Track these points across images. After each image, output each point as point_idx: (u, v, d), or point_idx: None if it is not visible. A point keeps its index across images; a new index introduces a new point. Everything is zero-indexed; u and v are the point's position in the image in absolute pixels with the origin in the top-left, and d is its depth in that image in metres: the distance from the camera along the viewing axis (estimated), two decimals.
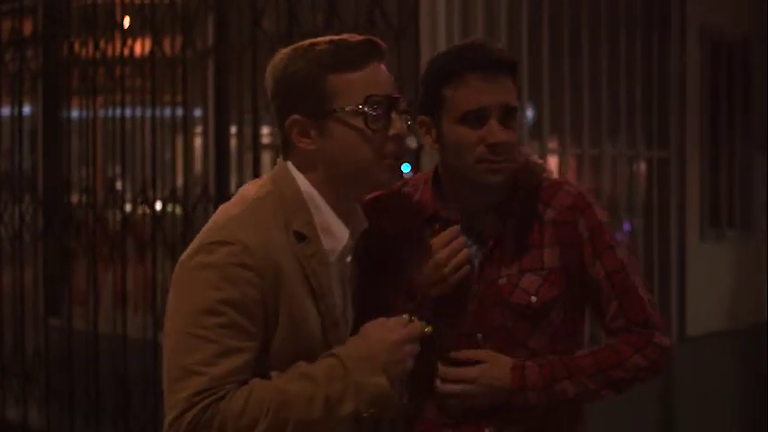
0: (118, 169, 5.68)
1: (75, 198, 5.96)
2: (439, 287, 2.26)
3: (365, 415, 2.00)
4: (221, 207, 2.13)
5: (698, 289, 5.68)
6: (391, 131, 2.06)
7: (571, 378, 2.30)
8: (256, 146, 5.02)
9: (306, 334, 2.03)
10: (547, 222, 2.34)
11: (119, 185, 5.78)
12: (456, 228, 2.28)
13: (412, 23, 4.57)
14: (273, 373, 1.99)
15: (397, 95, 2.09)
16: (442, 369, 2.31)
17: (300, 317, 2.02)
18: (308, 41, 2.09)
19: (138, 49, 5.63)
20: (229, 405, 1.93)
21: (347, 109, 2.03)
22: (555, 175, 2.45)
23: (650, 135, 5.60)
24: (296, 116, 2.04)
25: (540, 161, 2.45)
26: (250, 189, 2.14)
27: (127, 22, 5.66)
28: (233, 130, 5.36)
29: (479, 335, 2.32)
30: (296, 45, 2.10)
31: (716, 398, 5.80)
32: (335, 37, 2.09)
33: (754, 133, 6.24)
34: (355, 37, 2.08)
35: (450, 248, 2.26)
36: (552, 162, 5.06)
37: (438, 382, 2.32)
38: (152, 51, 5.42)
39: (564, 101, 5.12)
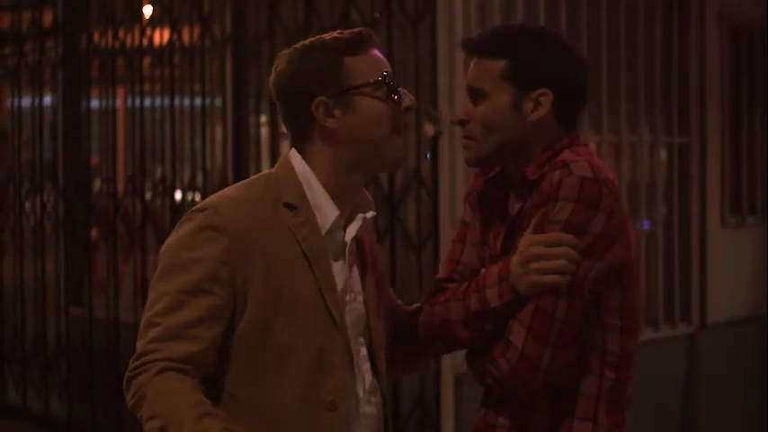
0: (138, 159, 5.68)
1: (96, 187, 5.98)
2: (523, 281, 2.17)
3: None
4: None
5: (719, 276, 5.65)
6: (405, 103, 2.20)
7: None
8: (275, 135, 5.03)
9: (291, 297, 2.12)
10: (533, 206, 2.23)
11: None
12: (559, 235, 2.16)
13: (429, 12, 4.56)
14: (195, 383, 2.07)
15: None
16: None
17: (282, 278, 2.11)
18: (305, 41, 2.23)
19: (156, 39, 5.65)
20: (146, 379, 2.04)
21: (370, 81, 2.18)
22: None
23: (670, 121, 5.57)
24: (321, 98, 2.17)
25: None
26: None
27: (148, 11, 5.68)
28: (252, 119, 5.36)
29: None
30: (295, 46, 2.23)
31: (736, 384, 5.77)
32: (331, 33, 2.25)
33: None
34: (349, 30, 2.24)
35: (547, 251, 2.15)
36: None
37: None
38: (170, 41, 5.43)
39: None
